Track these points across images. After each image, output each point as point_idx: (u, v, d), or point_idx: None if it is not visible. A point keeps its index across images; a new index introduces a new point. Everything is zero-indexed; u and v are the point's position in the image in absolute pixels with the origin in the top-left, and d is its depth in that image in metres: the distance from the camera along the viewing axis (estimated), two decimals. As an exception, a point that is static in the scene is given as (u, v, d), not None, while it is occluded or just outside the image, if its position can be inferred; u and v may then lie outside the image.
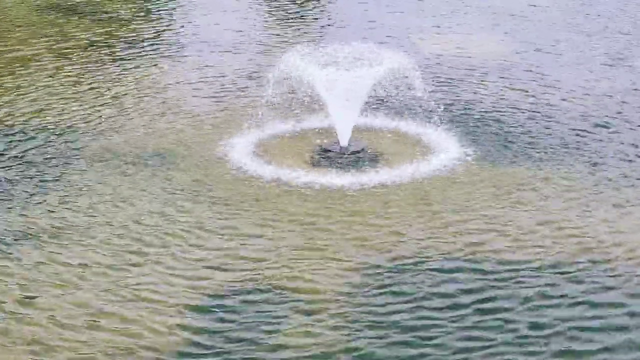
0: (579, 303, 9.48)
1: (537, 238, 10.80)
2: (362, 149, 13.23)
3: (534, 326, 9.06)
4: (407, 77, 13.40)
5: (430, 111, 13.79)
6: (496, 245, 10.64)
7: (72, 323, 9.12)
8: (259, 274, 10.02)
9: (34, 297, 9.59)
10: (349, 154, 13.10)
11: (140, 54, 18.44)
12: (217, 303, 9.50)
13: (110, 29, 20.30)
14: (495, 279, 9.92)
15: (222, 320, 9.20)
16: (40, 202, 11.78)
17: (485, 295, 9.61)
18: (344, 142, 13.28)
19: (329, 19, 21.93)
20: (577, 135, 14.02)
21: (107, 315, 9.25)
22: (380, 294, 9.65)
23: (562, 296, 9.58)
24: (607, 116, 14.79)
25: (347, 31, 19.95)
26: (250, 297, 9.60)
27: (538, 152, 13.32)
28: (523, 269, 10.11)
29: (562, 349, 8.74)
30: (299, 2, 22.76)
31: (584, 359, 8.63)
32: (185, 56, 18.40)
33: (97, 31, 20.04)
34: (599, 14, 21.60)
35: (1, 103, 15.42)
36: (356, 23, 20.90)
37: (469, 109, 15.12)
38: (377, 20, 21.08)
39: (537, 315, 9.24)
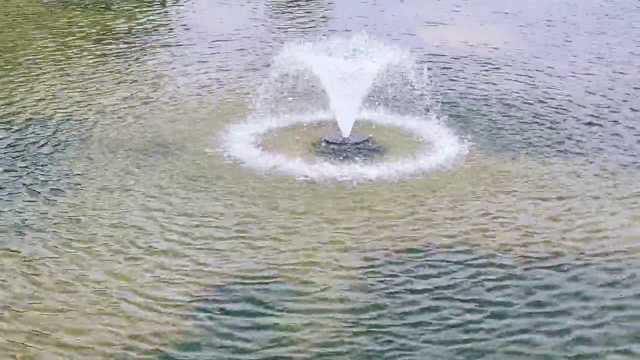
0: (581, 296, 9.44)
1: (540, 232, 10.75)
2: (364, 141, 13.19)
3: (537, 322, 8.99)
4: (408, 69, 13.37)
5: (432, 104, 13.75)
6: (498, 238, 10.60)
7: (73, 313, 9.09)
8: (262, 266, 10.00)
9: (34, 288, 9.56)
10: (350, 145, 13.07)
11: (142, 48, 18.44)
12: (218, 297, 9.44)
13: (111, 21, 20.30)
14: (498, 273, 9.88)
15: (224, 313, 9.15)
16: (39, 194, 11.73)
17: (486, 291, 9.57)
18: (346, 133, 13.26)
19: (330, 10, 21.91)
20: (580, 128, 13.98)
21: (109, 306, 9.20)
22: (386, 286, 9.61)
23: (565, 289, 9.55)
24: (611, 109, 14.76)
25: (348, 24, 19.91)
26: (252, 291, 9.54)
27: (539, 145, 13.30)
28: (526, 263, 10.05)
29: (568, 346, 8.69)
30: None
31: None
32: (188, 49, 18.37)
33: (98, 23, 20.04)
34: (603, 6, 21.62)
35: (1, 97, 15.38)
36: (357, 15, 20.89)
37: (470, 102, 15.07)
38: (380, 10, 21.05)
39: (540, 309, 9.19)
